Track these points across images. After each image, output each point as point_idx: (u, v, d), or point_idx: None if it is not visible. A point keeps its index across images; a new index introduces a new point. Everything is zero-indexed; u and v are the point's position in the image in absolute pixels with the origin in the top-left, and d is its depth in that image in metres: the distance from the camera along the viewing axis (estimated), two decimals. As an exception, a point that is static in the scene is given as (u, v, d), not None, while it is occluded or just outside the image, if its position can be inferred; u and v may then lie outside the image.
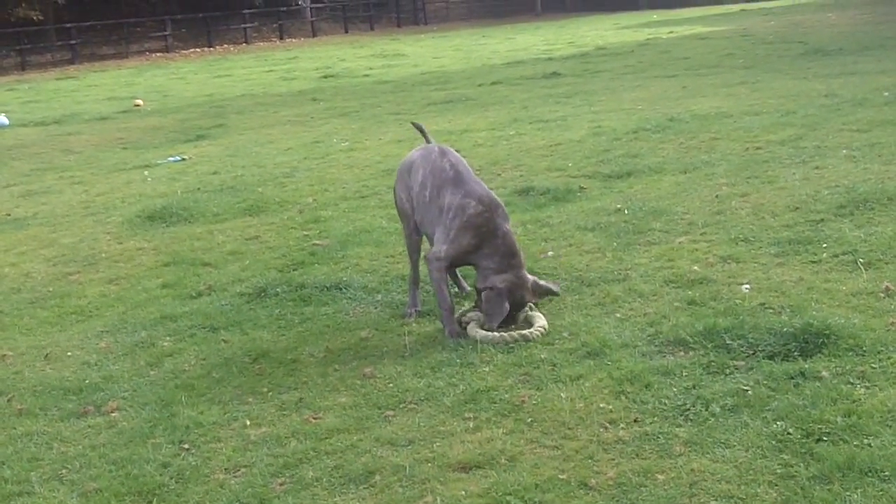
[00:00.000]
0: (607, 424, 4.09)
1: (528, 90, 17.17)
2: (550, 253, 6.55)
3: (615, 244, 6.63)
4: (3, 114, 19.76)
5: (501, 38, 36.32)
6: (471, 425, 4.19)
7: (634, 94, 15.06)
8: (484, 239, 5.28)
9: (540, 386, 4.50)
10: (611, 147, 10.24)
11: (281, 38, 46.50)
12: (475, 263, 5.38)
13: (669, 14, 45.52)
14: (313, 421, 4.42)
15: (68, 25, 40.56)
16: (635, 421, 4.09)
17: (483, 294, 5.25)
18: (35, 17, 40.32)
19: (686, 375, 4.43)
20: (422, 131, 6.32)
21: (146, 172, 11.70)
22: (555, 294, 5.48)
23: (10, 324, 6.29)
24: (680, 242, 6.50)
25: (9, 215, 9.76)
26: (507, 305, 5.17)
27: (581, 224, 7.22)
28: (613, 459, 3.81)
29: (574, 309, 5.46)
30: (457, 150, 10.60)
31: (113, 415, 4.70)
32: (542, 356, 4.82)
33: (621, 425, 4.06)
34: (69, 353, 5.62)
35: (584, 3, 58.39)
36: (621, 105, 13.74)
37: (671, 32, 30.94)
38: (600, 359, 4.73)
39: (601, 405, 4.25)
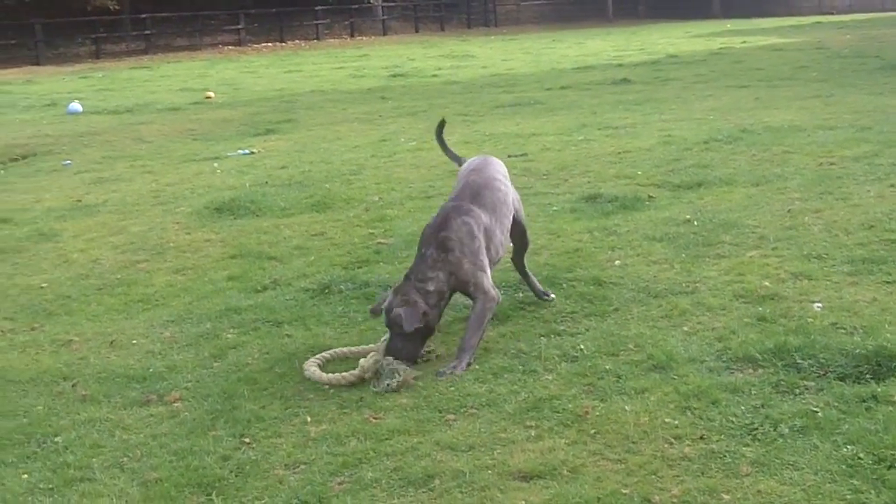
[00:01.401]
0: (672, 440, 4.01)
1: (597, 96, 17.05)
2: (617, 262, 6.47)
3: (683, 256, 6.53)
4: (77, 101, 20.10)
5: (571, 42, 36.14)
6: (532, 434, 4.14)
7: (706, 103, 14.87)
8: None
9: (604, 397, 4.44)
10: (681, 156, 10.11)
11: (352, 36, 46.75)
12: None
13: (743, 23, 44.94)
14: (374, 421, 4.40)
15: (144, 16, 41.19)
16: (701, 438, 4.01)
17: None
18: (111, 7, 40.98)
19: (754, 394, 4.34)
20: (442, 145, 6.52)
21: (215, 164, 11.81)
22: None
23: (78, 309, 6.37)
24: (750, 257, 6.38)
25: (79, 201, 9.90)
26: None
27: (649, 234, 7.13)
28: (678, 476, 3.74)
29: (640, 320, 5.38)
30: (524, 154, 10.67)
31: (175, 405, 4.73)
32: (607, 367, 4.75)
33: (686, 442, 3.99)
34: (134, 341, 5.67)
35: (657, 10, 57.92)
36: (692, 114, 13.57)
37: (744, 42, 30.53)
38: (666, 372, 4.65)
39: (666, 420, 4.18)
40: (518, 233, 5.82)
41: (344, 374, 4.86)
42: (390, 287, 5.40)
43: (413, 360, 4.97)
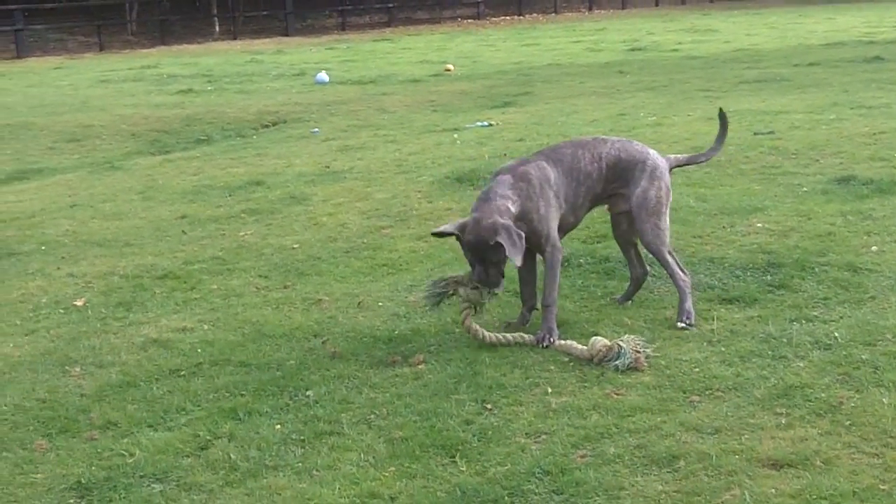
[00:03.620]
0: (934, 437, 3.79)
1: (848, 73, 16.20)
2: (874, 248, 6.14)
3: (947, 244, 6.14)
4: (324, 71, 20.86)
5: (820, 17, 34.47)
6: (783, 421, 4.00)
7: (971, 83, 13.88)
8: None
9: (860, 388, 4.23)
10: (943, 139, 9.48)
11: (590, 9, 46.34)
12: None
13: None
14: (615, 397, 4.37)
15: (387, -11, 42.27)
16: (967, 437, 3.76)
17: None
18: (356, -20, 42.26)
19: None
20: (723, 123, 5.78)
21: (455, 135, 11.99)
22: None
23: (327, 270, 6.63)
24: None
25: (327, 167, 10.28)
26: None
27: (908, 220, 6.73)
28: (941, 476, 3.52)
29: (900, 310, 5.09)
30: (770, 132, 10.28)
31: (419, 367, 4.84)
32: (863, 357, 4.52)
33: (951, 440, 3.75)
34: (380, 304, 5.85)
35: (915, -16, 54.36)
36: (956, 95, 12.69)
37: None
38: (928, 366, 4.39)
39: (928, 416, 3.95)
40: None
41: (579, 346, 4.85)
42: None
43: (500, 285, 4.96)
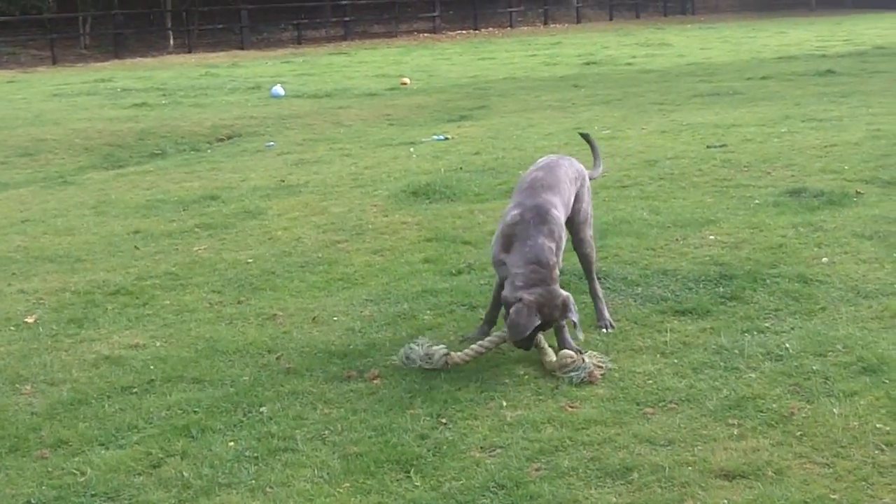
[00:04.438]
0: (884, 447, 3.84)
1: (800, 87, 16.43)
2: (825, 259, 6.22)
3: (895, 255, 6.22)
4: (280, 85, 20.80)
5: (773, 31, 34.94)
6: (735, 432, 4.03)
7: (919, 97, 14.11)
8: (513, 246, 4.94)
9: (811, 399, 4.28)
10: (891, 152, 9.62)
11: (545, 24, 46.60)
12: (507, 275, 4.95)
13: (960, 13, 42.41)
14: (570, 409, 4.38)
15: (343, 3, 42.21)
16: (916, 446, 3.82)
17: (512, 308, 4.78)
18: (313, -6, 42.18)
19: (976, 404, 4.09)
20: (589, 142, 6.18)
21: (411, 149, 12.00)
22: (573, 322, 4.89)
23: (281, 285, 6.59)
24: (970, 259, 6.02)
25: (283, 181, 10.24)
26: (535, 320, 4.72)
27: (857, 231, 6.82)
28: (890, 484, 3.58)
29: (849, 321, 5.16)
30: (723, 145, 10.39)
31: (375, 382, 4.83)
32: (814, 368, 4.58)
33: (900, 449, 3.80)
34: (335, 318, 5.83)
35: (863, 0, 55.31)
36: (903, 108, 12.89)
37: (962, 33, 28.82)
38: (877, 376, 4.45)
39: (877, 425, 4.00)
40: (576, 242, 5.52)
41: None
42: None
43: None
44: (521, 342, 4.81)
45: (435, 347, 4.96)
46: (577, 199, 5.38)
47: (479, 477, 3.84)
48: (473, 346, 5.00)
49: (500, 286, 5.10)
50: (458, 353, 4.94)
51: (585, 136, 6.36)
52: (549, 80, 20.88)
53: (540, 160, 5.48)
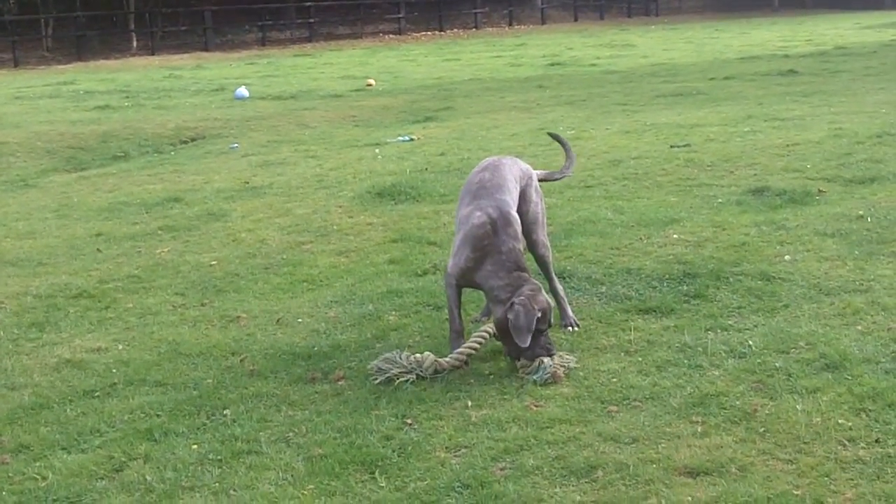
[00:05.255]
0: (846, 442, 3.87)
1: (762, 87, 16.56)
2: (787, 257, 6.27)
3: (857, 253, 6.28)
4: (244, 87, 20.69)
5: (735, 32, 35.20)
6: (699, 430, 4.05)
7: (877, 96, 14.25)
8: (486, 255, 4.90)
9: (774, 396, 4.31)
10: (852, 150, 9.72)
11: (510, 25, 46.69)
12: (482, 286, 4.95)
13: (919, 14, 42.91)
14: (534, 409, 4.39)
15: (308, 4, 42.06)
16: (877, 441, 3.85)
17: (510, 313, 4.74)
18: (277, -5, 42.01)
19: (936, 399, 4.13)
20: (560, 142, 6.30)
21: (377, 150, 11.97)
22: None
23: (246, 287, 6.55)
24: (930, 256, 6.09)
25: (247, 183, 10.19)
26: (536, 313, 4.71)
27: (819, 229, 6.88)
28: (852, 480, 3.60)
29: (811, 318, 5.20)
30: (686, 145, 10.45)
31: (339, 383, 4.81)
32: (777, 364, 4.61)
33: (861, 444, 3.84)
34: (300, 320, 5.80)
35: (824, 0, 55.83)
36: (863, 107, 13.02)
37: (920, 33, 29.15)
38: (839, 372, 4.48)
39: (840, 421, 4.03)
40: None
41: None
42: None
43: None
44: (523, 345, 4.73)
45: (418, 355, 4.86)
46: (525, 199, 5.31)
47: (444, 477, 3.83)
48: (460, 349, 4.94)
49: (459, 294, 5.08)
50: (446, 358, 4.89)
51: (555, 136, 6.38)
52: (514, 81, 20.92)
53: (483, 161, 5.45)
